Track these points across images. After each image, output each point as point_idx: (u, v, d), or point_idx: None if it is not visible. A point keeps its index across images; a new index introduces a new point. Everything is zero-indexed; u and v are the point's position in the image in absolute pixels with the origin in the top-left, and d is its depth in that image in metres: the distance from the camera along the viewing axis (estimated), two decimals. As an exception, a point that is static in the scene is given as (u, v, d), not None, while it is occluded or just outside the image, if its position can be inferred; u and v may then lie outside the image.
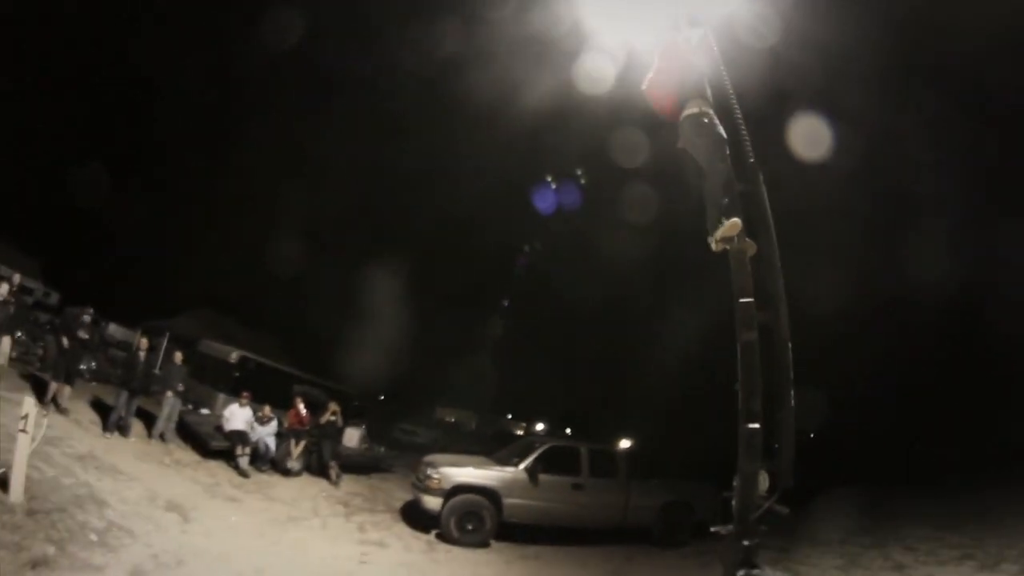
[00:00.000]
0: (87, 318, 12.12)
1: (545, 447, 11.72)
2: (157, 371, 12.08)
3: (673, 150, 4.84)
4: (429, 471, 10.79)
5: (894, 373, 15.26)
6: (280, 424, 12.49)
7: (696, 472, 13.02)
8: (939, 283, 14.02)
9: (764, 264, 4.43)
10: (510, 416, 25.04)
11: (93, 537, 6.46)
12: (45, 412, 8.29)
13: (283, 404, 13.02)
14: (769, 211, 4.60)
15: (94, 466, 8.62)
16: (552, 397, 24.62)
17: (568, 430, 23.62)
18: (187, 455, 11.17)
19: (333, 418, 13.02)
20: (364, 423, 14.98)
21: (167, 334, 13.70)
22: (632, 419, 18.39)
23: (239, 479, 10.86)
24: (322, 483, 12.22)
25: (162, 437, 11.19)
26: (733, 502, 3.95)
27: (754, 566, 3.73)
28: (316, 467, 12.55)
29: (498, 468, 11.33)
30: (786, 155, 9.70)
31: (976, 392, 14.40)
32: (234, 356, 13.99)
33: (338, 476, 12.47)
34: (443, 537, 10.44)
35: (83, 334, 11.59)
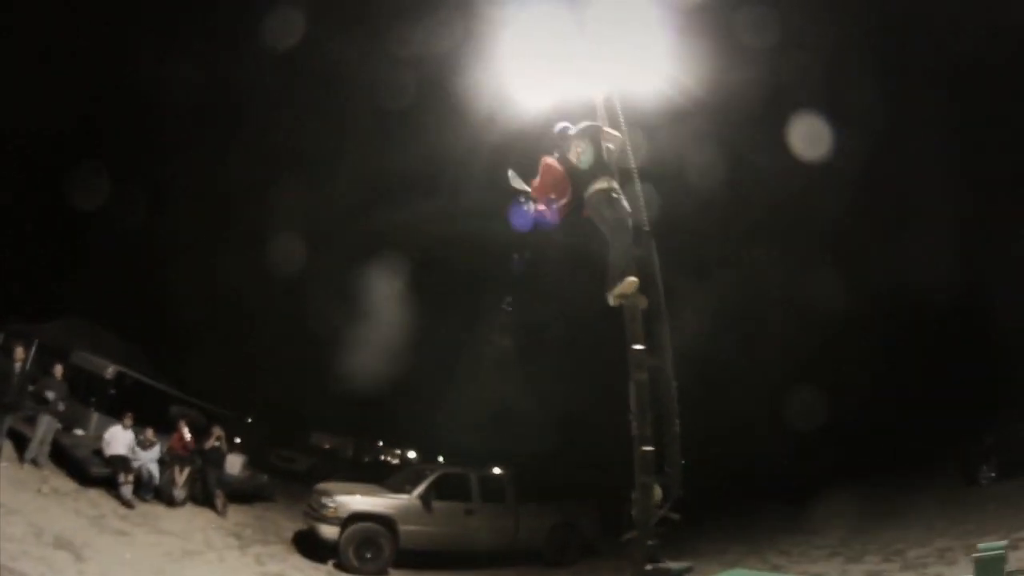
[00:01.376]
0: None
1: (436, 474, 11.90)
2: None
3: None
4: (324, 500, 10.59)
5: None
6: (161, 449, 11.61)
7: (578, 493, 13.61)
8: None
9: (653, 317, 4.96)
10: (381, 443, 24.45)
11: (-14, 586, 5.83)
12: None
13: (159, 426, 12.06)
14: (659, 273, 5.13)
15: (-34, 499, 7.70)
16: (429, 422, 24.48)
17: (440, 457, 23.60)
18: (64, 482, 10.03)
19: (218, 443, 12.27)
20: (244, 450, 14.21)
21: (35, 342, 12.09)
22: (507, 444, 18.59)
23: (124, 510, 9.94)
24: (208, 513, 11.45)
25: (34, 462, 10.02)
26: (632, 511, 4.44)
27: (659, 560, 4.27)
28: (200, 495, 11.72)
29: (392, 495, 11.32)
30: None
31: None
32: (110, 371, 12.70)
33: (224, 505, 11.72)
34: (341, 566, 10.27)
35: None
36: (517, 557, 12.11)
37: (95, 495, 10.10)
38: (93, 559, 7.55)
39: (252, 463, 14.79)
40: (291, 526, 12.48)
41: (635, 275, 4.74)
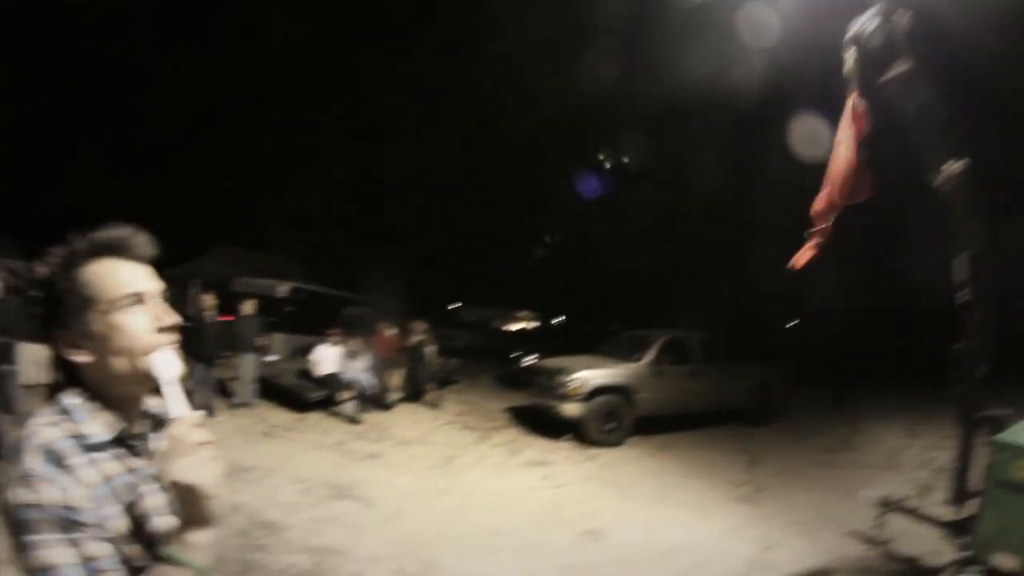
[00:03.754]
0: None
1: (663, 339, 10.39)
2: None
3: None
4: (563, 378, 9.33)
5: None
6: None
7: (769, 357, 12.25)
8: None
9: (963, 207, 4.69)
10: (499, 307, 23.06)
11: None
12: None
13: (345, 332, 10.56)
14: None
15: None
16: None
17: (559, 318, 22.35)
18: (281, 416, 8.68)
19: (423, 338, 10.81)
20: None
21: (196, 282, 10.55)
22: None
23: (354, 428, 8.62)
24: (423, 410, 10.17)
25: (245, 404, 8.66)
26: (957, 369, 4.60)
27: (983, 409, 4.57)
28: (410, 394, 10.47)
29: (625, 365, 9.95)
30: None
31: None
32: (283, 288, 11.19)
33: (438, 398, 10.49)
34: (579, 440, 9.16)
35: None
36: (720, 417, 10.89)
37: (315, 420, 8.77)
38: (378, 501, 6.10)
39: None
40: (495, 406, 11.41)
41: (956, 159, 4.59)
